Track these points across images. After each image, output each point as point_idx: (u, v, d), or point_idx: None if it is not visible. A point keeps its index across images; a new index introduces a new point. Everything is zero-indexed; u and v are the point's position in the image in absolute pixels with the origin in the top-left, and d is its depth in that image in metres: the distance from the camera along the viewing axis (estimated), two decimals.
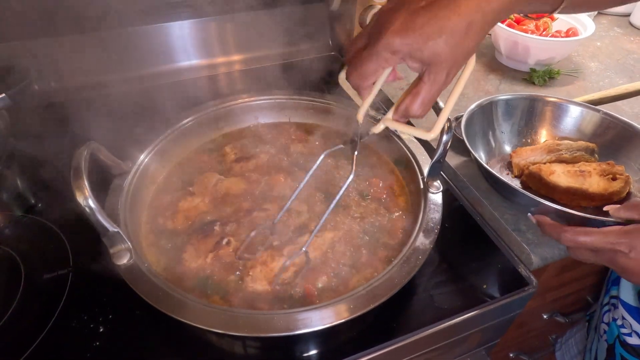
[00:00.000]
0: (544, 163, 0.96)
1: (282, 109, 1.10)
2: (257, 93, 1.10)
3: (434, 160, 0.82)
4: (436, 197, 0.82)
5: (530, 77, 1.37)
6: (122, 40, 1.28)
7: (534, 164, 0.96)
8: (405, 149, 0.94)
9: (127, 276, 0.67)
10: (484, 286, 0.81)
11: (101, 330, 0.70)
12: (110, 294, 0.75)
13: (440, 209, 0.80)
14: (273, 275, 0.73)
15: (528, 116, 1.09)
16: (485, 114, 1.05)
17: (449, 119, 0.80)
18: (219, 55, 1.42)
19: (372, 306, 0.64)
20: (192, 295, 0.67)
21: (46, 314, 0.73)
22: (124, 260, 0.68)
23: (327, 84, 1.37)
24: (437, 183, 0.84)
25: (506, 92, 1.36)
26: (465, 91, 1.35)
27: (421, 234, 0.75)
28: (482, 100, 1.05)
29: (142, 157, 0.89)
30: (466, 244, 0.89)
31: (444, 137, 0.80)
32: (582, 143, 0.99)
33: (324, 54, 1.54)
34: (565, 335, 1.33)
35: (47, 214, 0.93)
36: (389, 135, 0.99)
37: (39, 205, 1.00)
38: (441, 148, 0.80)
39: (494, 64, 1.49)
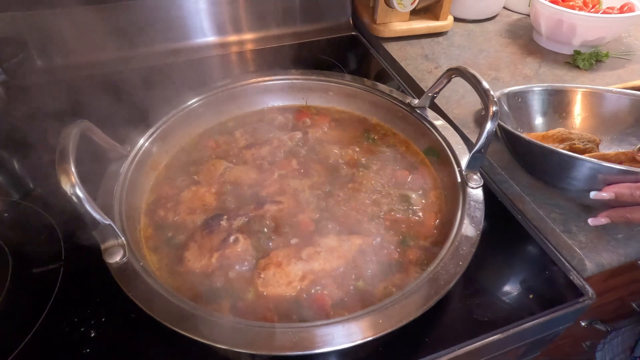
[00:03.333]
0: None
1: (297, 91, 1.00)
2: (271, 73, 0.99)
3: (474, 150, 0.71)
4: (476, 192, 0.71)
5: (574, 59, 1.23)
6: (131, 14, 1.19)
7: None
8: (439, 137, 0.82)
9: (119, 276, 0.58)
10: (530, 296, 0.70)
11: (92, 335, 0.63)
12: (104, 294, 0.67)
13: (482, 206, 0.69)
14: (289, 281, 0.63)
15: (558, 109, 0.96)
16: (515, 102, 0.94)
17: (496, 104, 0.68)
18: (231, 33, 1.32)
19: (405, 322, 0.54)
20: (193, 300, 0.58)
21: (33, 314, 0.66)
22: (116, 258, 0.59)
23: (346, 66, 1.26)
24: (477, 176, 0.73)
25: (547, 76, 1.22)
26: (500, 75, 1.23)
27: (461, 236, 0.64)
28: (513, 88, 0.94)
29: (142, 140, 0.80)
30: (507, 247, 0.78)
31: (488, 125, 0.68)
32: (590, 136, 0.88)
33: (344, 34, 1.42)
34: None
35: (43, 202, 0.85)
36: (418, 121, 0.88)
37: (38, 190, 0.92)
38: (484, 136, 0.69)
39: (532, 46, 1.36)
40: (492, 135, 0.69)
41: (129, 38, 1.21)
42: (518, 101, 0.95)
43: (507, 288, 0.71)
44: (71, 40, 1.17)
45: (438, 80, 0.82)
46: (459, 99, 1.13)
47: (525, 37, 1.40)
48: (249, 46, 1.33)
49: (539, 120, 0.96)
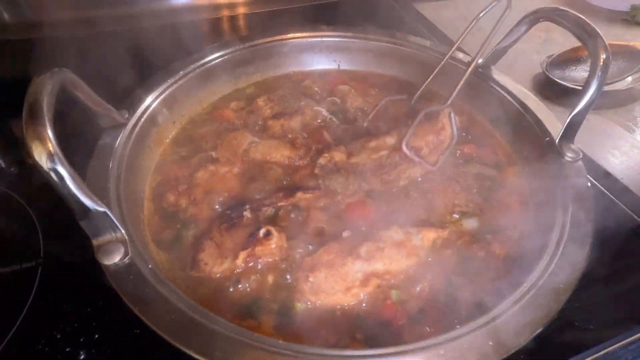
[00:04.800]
0: None
1: (329, 52, 0.83)
2: (296, 29, 0.82)
3: (575, 111, 0.56)
4: (577, 166, 0.56)
5: (633, 15, 1.11)
6: None
7: None
8: (514, 102, 0.67)
9: (120, 284, 0.43)
10: None
11: (82, 357, 0.48)
12: (97, 302, 0.51)
13: (587, 184, 0.54)
14: (347, 287, 0.47)
15: None
16: None
17: (607, 49, 0.52)
18: None
19: (519, 345, 0.39)
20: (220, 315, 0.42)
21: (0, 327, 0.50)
22: (114, 258, 0.44)
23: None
24: (575, 147, 0.58)
25: (603, 35, 1.08)
26: (551, 36, 1.08)
27: (570, 223, 0.49)
28: None
29: (144, 106, 0.63)
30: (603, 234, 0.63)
31: (596, 80, 0.53)
32: None
33: None
34: None
35: (17, 184, 0.69)
36: (484, 84, 0.72)
37: (11, 170, 0.75)
38: (589, 95, 0.55)
39: (581, 4, 1.22)
40: (600, 92, 0.54)
41: None
42: None
43: (614, 287, 0.56)
44: None
45: (514, 28, 0.65)
46: (511, 63, 0.96)
47: None
48: (242, 10, 1.15)
49: None
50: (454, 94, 0.59)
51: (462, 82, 0.59)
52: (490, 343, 0.39)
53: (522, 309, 0.42)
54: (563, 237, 0.48)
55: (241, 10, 1.16)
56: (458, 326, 0.41)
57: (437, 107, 0.60)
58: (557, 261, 0.46)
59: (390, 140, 0.63)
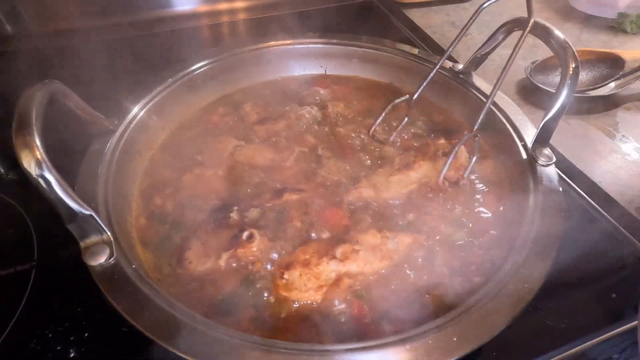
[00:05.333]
0: None
1: (315, 58, 0.85)
2: (284, 37, 0.85)
3: (547, 117, 0.58)
4: (549, 171, 0.58)
5: (620, 23, 1.12)
6: None
7: None
8: (492, 107, 0.68)
9: (105, 283, 0.45)
10: (613, 295, 0.57)
11: (72, 355, 0.51)
12: (87, 303, 0.54)
13: (559, 189, 0.56)
14: (319, 285, 0.49)
15: None
16: None
17: (576, 59, 0.54)
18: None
19: (482, 341, 0.41)
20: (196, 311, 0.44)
21: None
22: (100, 259, 0.46)
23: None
24: (548, 152, 0.60)
25: (590, 42, 1.10)
26: (539, 42, 1.09)
27: (537, 227, 0.51)
28: None
29: (133, 112, 0.65)
30: (580, 236, 0.64)
31: (566, 87, 0.55)
32: None
33: (357, 0, 1.27)
34: None
35: (15, 191, 0.71)
36: (464, 89, 0.74)
37: (9, 176, 0.77)
38: (560, 101, 0.56)
39: (569, 11, 1.23)
40: (570, 99, 0.56)
41: (112, 4, 1.06)
42: None
43: (585, 287, 0.58)
44: (47, 7, 1.02)
45: (491, 37, 0.68)
46: (496, 68, 0.99)
47: (560, 1, 1.27)
48: (242, 15, 1.17)
49: None
50: (479, 121, 0.60)
51: (484, 110, 0.60)
52: (455, 339, 0.41)
53: (486, 308, 0.44)
54: (530, 240, 0.50)
55: (241, 16, 1.19)
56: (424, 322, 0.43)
57: (467, 136, 0.61)
58: (524, 262, 0.48)
59: (415, 175, 0.62)
